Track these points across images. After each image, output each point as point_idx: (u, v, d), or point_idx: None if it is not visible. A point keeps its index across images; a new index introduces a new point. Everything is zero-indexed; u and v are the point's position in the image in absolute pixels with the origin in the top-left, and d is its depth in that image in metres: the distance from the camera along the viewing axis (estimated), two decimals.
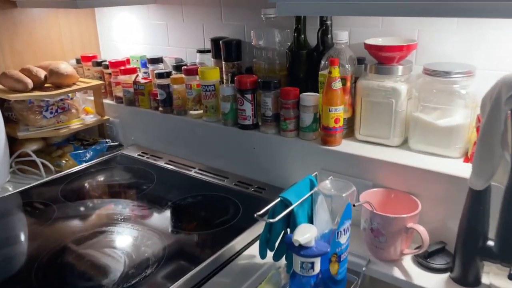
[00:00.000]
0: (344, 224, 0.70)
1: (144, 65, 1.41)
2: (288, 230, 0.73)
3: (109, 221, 0.94)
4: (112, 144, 1.36)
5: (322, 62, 0.95)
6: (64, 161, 1.24)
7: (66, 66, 1.30)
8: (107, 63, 1.36)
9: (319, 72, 0.95)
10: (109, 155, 1.31)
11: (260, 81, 1.01)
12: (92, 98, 1.41)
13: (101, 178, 1.17)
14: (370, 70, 0.90)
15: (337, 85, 0.88)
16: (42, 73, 1.28)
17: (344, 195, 0.68)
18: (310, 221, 0.73)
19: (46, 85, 1.30)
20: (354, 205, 0.71)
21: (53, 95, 1.23)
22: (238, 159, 1.11)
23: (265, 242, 0.72)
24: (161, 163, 1.23)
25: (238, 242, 0.85)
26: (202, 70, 1.10)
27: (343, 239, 0.71)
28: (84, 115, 1.38)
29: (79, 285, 0.74)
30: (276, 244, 0.74)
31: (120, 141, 1.40)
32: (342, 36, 0.91)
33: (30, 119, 1.25)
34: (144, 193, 1.06)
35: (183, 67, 1.16)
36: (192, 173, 1.16)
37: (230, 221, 0.92)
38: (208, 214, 0.97)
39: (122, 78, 1.30)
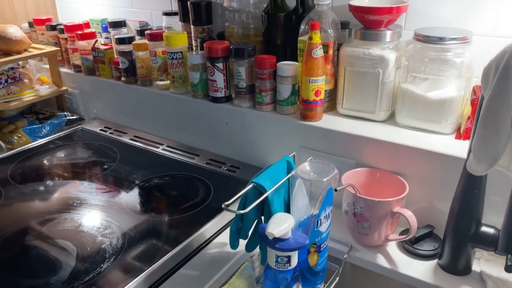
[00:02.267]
0: (325, 211, 0.62)
1: (105, 29, 1.27)
2: (262, 218, 0.65)
3: (63, 206, 0.84)
4: (71, 117, 1.23)
5: (302, 27, 0.84)
6: (16, 138, 1.12)
7: (15, 30, 1.15)
8: (63, 27, 1.21)
9: (298, 38, 0.85)
10: (68, 130, 1.19)
11: (232, 48, 0.90)
12: (48, 66, 1.27)
13: (57, 156, 1.06)
14: (355, 36, 0.80)
15: (318, 52, 0.78)
16: None
17: (325, 179, 0.60)
18: (287, 207, 0.65)
19: None
20: (336, 190, 0.63)
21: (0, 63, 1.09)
22: (210, 135, 1.01)
23: (236, 232, 0.64)
24: (125, 139, 1.12)
25: (207, 229, 0.76)
26: (167, 35, 0.98)
27: (323, 227, 0.63)
28: (39, 86, 1.24)
29: (22, 284, 0.65)
30: (249, 233, 0.65)
31: (80, 115, 1.27)
32: None
33: None
34: (105, 174, 0.96)
35: (146, 32, 1.03)
36: (160, 150, 1.06)
37: (199, 205, 0.83)
38: (175, 197, 0.87)
39: (80, 44, 1.16)
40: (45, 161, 1.03)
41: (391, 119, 0.83)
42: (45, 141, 1.12)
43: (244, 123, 0.93)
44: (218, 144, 1.00)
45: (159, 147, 1.07)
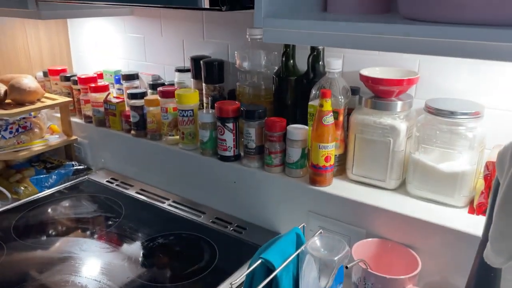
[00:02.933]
0: None
1: (118, 81, 1.29)
2: None
3: (66, 267, 0.82)
4: (79, 167, 1.23)
5: (313, 92, 0.85)
6: (22, 188, 1.11)
7: (29, 81, 1.17)
8: (77, 78, 1.24)
9: (309, 103, 0.85)
10: (74, 181, 1.18)
11: (243, 110, 0.90)
12: (59, 115, 1.28)
13: (62, 210, 1.04)
14: (365, 104, 0.80)
15: (329, 120, 0.78)
16: (2, 88, 1.15)
17: (336, 258, 0.58)
18: (295, 283, 0.63)
19: (6, 101, 1.17)
20: (346, 267, 0.61)
21: (12, 114, 1.10)
22: (217, 192, 1.00)
23: None
24: (131, 192, 1.11)
25: None
26: (179, 93, 0.99)
27: None
28: (49, 135, 1.25)
29: None
30: None
31: (88, 164, 1.27)
32: (335, 64, 0.81)
33: None
34: (109, 231, 0.94)
35: (158, 88, 1.05)
36: (166, 205, 1.05)
37: (204, 270, 0.81)
38: (180, 260, 0.85)
39: (92, 96, 1.18)
40: (49, 215, 1.02)
41: (402, 187, 0.82)
42: (50, 192, 1.12)
43: (252, 183, 0.93)
44: (225, 202, 0.99)
45: (165, 202, 1.06)
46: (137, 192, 1.11)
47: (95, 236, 0.93)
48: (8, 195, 1.08)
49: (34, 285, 0.76)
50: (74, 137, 1.26)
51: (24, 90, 1.15)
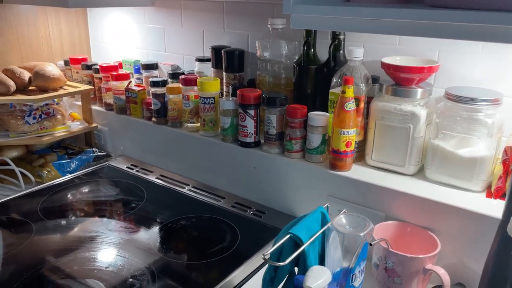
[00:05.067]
0: (360, 266, 0.62)
1: (137, 70, 1.32)
2: (296, 269, 0.65)
3: (93, 244, 0.85)
4: (99, 154, 1.26)
5: (334, 80, 0.88)
6: (46, 172, 1.14)
7: (53, 69, 1.20)
8: (98, 67, 1.27)
9: (330, 90, 0.88)
10: (95, 166, 1.22)
11: (264, 97, 0.93)
12: (80, 103, 1.32)
13: (85, 193, 1.08)
14: (386, 91, 0.83)
15: (351, 106, 0.81)
16: (26, 75, 1.18)
17: (362, 234, 0.61)
18: (321, 259, 0.65)
19: (30, 88, 1.21)
20: (371, 244, 0.64)
21: (37, 99, 1.13)
22: (236, 178, 1.02)
23: (270, 281, 0.64)
24: (151, 178, 1.14)
25: (236, 276, 0.77)
26: (201, 81, 1.02)
27: (357, 282, 0.63)
28: (70, 122, 1.28)
29: None
30: (281, 285, 0.65)
31: (108, 151, 1.30)
32: (357, 52, 0.83)
33: (11, 124, 1.15)
34: (132, 212, 0.97)
35: (180, 77, 1.08)
36: (186, 190, 1.07)
37: (227, 250, 0.84)
38: (202, 240, 0.88)
39: (113, 84, 1.21)
40: (74, 197, 1.05)
41: (420, 173, 0.84)
42: (73, 177, 1.15)
43: (272, 168, 0.95)
44: (244, 188, 1.02)
45: (185, 188, 1.09)
46: (157, 178, 1.14)
47: (120, 217, 0.96)
48: (32, 178, 1.11)
49: (64, 261, 0.79)
50: (94, 125, 1.29)
51: (48, 77, 1.18)
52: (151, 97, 1.13)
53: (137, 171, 1.18)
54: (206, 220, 0.95)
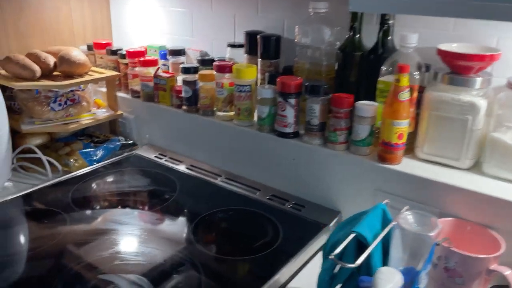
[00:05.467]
0: (427, 268, 0.58)
1: (163, 56, 1.27)
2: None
3: (131, 237, 0.81)
4: (125, 142, 1.22)
5: (384, 68, 0.83)
6: (72, 160, 1.10)
7: (78, 54, 1.16)
8: (124, 52, 1.22)
9: (379, 79, 0.83)
10: (122, 156, 1.18)
11: (307, 85, 0.88)
12: (104, 89, 1.27)
13: (116, 182, 1.04)
14: (442, 80, 0.78)
15: (405, 95, 0.76)
16: (51, 60, 1.14)
17: (431, 234, 0.56)
18: (384, 259, 0.61)
19: (54, 73, 1.16)
20: (437, 244, 0.59)
21: (65, 85, 1.09)
22: (273, 169, 0.98)
23: (329, 281, 0.60)
24: (181, 168, 1.10)
25: (283, 274, 0.73)
26: (237, 68, 0.97)
27: (422, 285, 0.59)
28: (95, 109, 1.24)
29: None
30: (338, 286, 0.62)
31: (133, 139, 1.26)
32: (411, 39, 0.78)
33: (36, 111, 1.11)
34: (167, 204, 0.94)
35: (214, 63, 1.03)
36: (218, 181, 1.03)
37: (270, 245, 0.80)
38: (243, 235, 0.85)
39: (140, 70, 1.17)
40: (104, 187, 1.01)
41: (475, 167, 0.79)
42: (101, 166, 1.11)
43: (312, 160, 0.91)
44: (280, 180, 0.98)
45: (217, 178, 1.05)
46: (187, 168, 1.10)
47: (155, 209, 0.92)
48: (59, 167, 1.08)
49: (105, 255, 0.76)
50: (120, 112, 1.25)
51: (74, 62, 1.13)
52: (181, 84, 1.09)
53: (165, 160, 1.14)
54: (244, 213, 0.91)
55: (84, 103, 1.19)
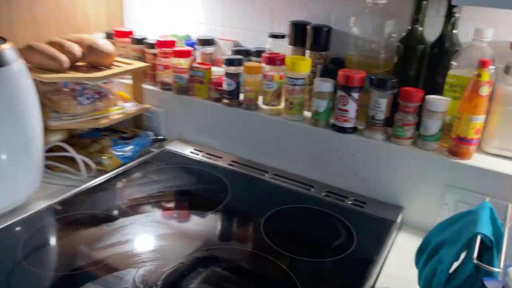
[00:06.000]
0: None
1: (189, 46, 1.20)
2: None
3: (198, 242, 0.76)
4: (156, 137, 1.16)
5: (454, 62, 0.82)
6: (105, 158, 1.03)
7: (106, 43, 1.07)
8: (151, 41, 1.14)
9: (450, 73, 0.82)
10: (156, 151, 1.11)
11: (373, 78, 0.86)
12: (127, 81, 1.19)
13: (162, 181, 0.97)
14: None
15: (486, 91, 0.76)
16: (77, 49, 1.04)
17: None
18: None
19: (78, 64, 1.07)
20: None
21: (98, 77, 1.00)
22: (327, 165, 0.96)
23: (444, 285, 0.59)
24: (223, 164, 1.05)
25: (371, 274, 0.71)
26: (292, 60, 0.93)
27: None
28: (121, 102, 1.16)
29: None
30: None
31: (160, 134, 1.19)
32: (487, 33, 0.78)
33: (63, 106, 1.02)
34: (226, 204, 0.89)
35: (263, 55, 0.98)
36: (267, 178, 1.00)
37: (349, 244, 0.78)
38: (317, 234, 0.82)
39: (174, 61, 1.10)
40: (151, 187, 0.95)
41: None
42: (136, 163, 1.04)
43: (375, 155, 0.89)
44: (335, 176, 0.96)
45: (264, 175, 1.01)
46: (229, 164, 1.05)
47: (215, 209, 0.87)
48: (93, 166, 1.00)
49: (191, 259, 0.71)
50: (147, 105, 1.18)
51: (103, 52, 1.05)
52: (223, 76, 1.03)
53: (203, 156, 1.09)
54: (308, 211, 0.88)
55: (111, 96, 1.11)
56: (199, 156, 1.09)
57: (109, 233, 0.78)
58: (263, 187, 0.97)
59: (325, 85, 0.90)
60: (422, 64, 0.89)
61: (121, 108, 1.12)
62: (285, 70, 0.96)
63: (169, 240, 0.77)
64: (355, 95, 0.88)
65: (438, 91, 0.86)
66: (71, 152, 0.99)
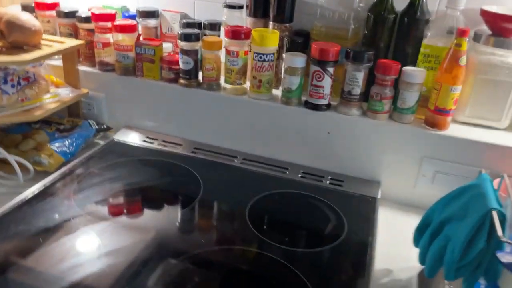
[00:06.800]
0: None
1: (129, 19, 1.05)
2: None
3: (188, 251, 0.68)
4: (100, 127, 1.01)
5: (428, 31, 0.80)
6: (45, 156, 0.87)
7: (31, 18, 0.89)
8: (85, 15, 0.97)
9: (424, 43, 0.81)
10: (101, 144, 0.97)
11: (349, 51, 0.81)
12: (55, 63, 1.02)
13: (120, 179, 0.85)
14: (486, 43, 0.79)
15: (464, 60, 0.75)
16: None
17: None
18: None
19: None
20: None
21: (27, 61, 0.83)
22: (299, 145, 0.91)
23: (456, 263, 0.58)
24: (185, 152, 0.95)
25: (374, 257, 0.69)
26: (260, 33, 0.85)
27: None
28: (53, 88, 0.98)
29: None
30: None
31: (104, 123, 1.05)
32: (461, 1, 0.77)
33: None
34: (200, 199, 0.80)
35: (226, 28, 0.88)
36: (237, 163, 0.92)
37: (341, 228, 0.75)
38: (307, 220, 0.78)
39: (117, 37, 0.95)
40: (113, 187, 0.82)
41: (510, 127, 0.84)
42: (83, 159, 0.90)
43: (351, 132, 0.86)
44: (309, 156, 0.91)
45: (234, 161, 0.93)
46: (192, 152, 0.96)
47: (191, 205, 0.78)
48: (30, 167, 0.83)
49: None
50: (85, 90, 1.01)
51: (29, 29, 0.86)
52: (178, 53, 0.92)
53: (159, 144, 0.98)
54: (288, 196, 0.83)
55: (43, 82, 0.93)
56: (155, 145, 0.97)
57: (72, 250, 0.65)
58: (236, 174, 0.90)
59: (298, 60, 0.84)
60: (392, 34, 0.87)
61: (56, 96, 0.95)
62: (250, 45, 0.88)
63: (149, 248, 0.67)
64: (331, 69, 0.83)
65: (409, 62, 0.85)
66: (2, 153, 0.81)
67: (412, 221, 0.68)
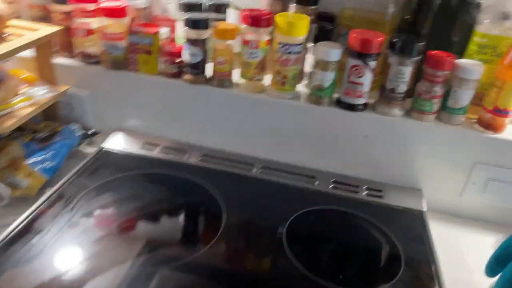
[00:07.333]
0: None
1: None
2: None
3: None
4: (87, 131, 0.84)
5: (484, 19, 0.69)
6: (22, 177, 0.69)
7: None
8: None
9: (478, 31, 0.69)
10: (90, 155, 0.80)
11: (396, 41, 0.69)
12: (25, 54, 0.82)
13: (121, 203, 0.69)
14: None
15: None
16: None
17: None
18: None
19: None
20: None
21: None
22: (332, 150, 0.79)
23: None
24: (194, 161, 0.80)
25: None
26: (287, 20, 0.70)
27: None
28: (26, 87, 0.79)
29: None
30: None
31: (89, 126, 0.87)
32: None
33: None
34: (226, 225, 0.66)
35: (243, 13, 0.73)
36: (255, 173, 0.79)
37: (396, 257, 0.64)
38: (355, 251, 0.66)
39: (105, 23, 0.77)
40: (116, 212, 0.66)
41: None
42: (75, 175, 0.73)
43: (392, 135, 0.75)
44: (341, 162, 0.79)
45: (251, 170, 0.80)
46: (201, 160, 0.81)
47: (215, 235, 0.64)
48: (6, 192, 0.66)
49: None
50: (64, 87, 0.83)
51: None
52: (186, 44, 0.75)
53: (161, 152, 0.82)
54: (324, 215, 0.71)
55: (11, 82, 0.74)
56: (155, 153, 0.82)
57: None
58: (255, 187, 0.76)
59: (333, 53, 0.70)
60: (437, 20, 0.75)
61: (30, 98, 0.76)
62: (273, 33, 0.73)
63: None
64: (373, 63, 0.70)
65: (454, 53, 0.73)
66: None
67: (466, 236, 0.59)
